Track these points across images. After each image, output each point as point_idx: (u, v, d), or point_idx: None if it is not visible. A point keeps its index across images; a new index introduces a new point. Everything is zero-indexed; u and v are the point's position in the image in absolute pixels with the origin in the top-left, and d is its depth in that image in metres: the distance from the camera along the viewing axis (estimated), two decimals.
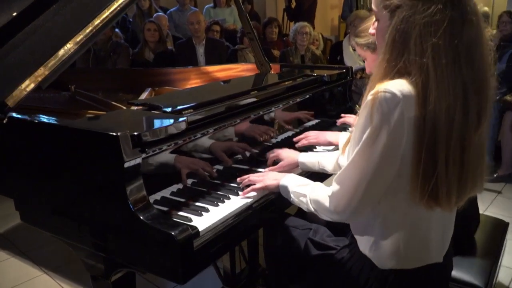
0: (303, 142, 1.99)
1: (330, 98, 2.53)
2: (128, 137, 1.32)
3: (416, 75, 1.05)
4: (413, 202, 1.13)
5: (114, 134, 1.30)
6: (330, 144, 1.99)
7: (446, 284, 1.42)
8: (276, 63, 2.85)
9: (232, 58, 4.78)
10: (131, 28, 5.98)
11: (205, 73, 2.89)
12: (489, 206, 3.42)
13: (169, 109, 1.66)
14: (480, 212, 2.02)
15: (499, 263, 1.82)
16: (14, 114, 1.62)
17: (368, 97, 1.10)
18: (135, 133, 1.34)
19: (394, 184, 1.15)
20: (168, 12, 6.14)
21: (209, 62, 4.69)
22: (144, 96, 2.37)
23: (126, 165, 1.31)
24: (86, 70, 3.49)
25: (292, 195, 1.43)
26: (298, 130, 2.21)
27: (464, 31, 1.05)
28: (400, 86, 1.06)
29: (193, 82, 2.82)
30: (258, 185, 1.55)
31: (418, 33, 1.05)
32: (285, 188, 1.46)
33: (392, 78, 1.09)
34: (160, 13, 5.68)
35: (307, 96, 2.25)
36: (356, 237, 1.31)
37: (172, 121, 1.51)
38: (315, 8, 7.06)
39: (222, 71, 2.91)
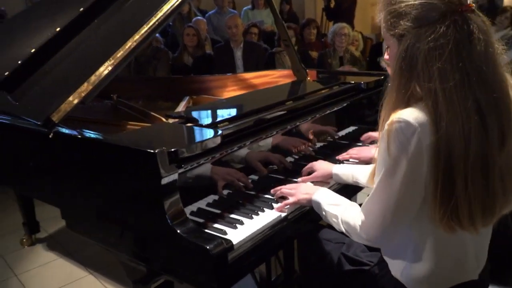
0: (344, 156, 1.99)
1: (368, 104, 2.51)
2: (165, 154, 1.37)
3: (427, 99, 1.05)
4: (435, 226, 1.12)
5: (151, 151, 1.35)
6: (372, 160, 1.93)
7: None
8: (312, 69, 2.85)
9: (270, 61, 4.79)
10: (170, 32, 6.10)
11: (242, 80, 2.93)
12: None
13: (205, 122, 1.70)
14: None
15: None
16: (59, 129, 1.70)
17: (385, 127, 1.10)
18: (172, 150, 1.39)
19: (421, 209, 1.14)
20: (206, 15, 6.23)
21: (247, 65, 4.73)
22: (182, 105, 2.43)
23: (164, 181, 1.37)
24: (127, 78, 3.61)
25: (324, 213, 1.44)
26: (334, 138, 2.21)
27: (472, 50, 1.04)
28: (414, 114, 1.06)
29: (230, 89, 2.86)
30: (290, 200, 1.58)
31: (424, 59, 1.05)
32: (318, 204, 1.47)
33: (406, 105, 1.09)
34: (198, 17, 5.77)
35: (344, 104, 2.25)
36: (387, 260, 1.30)
37: (208, 135, 1.55)
38: (355, 7, 6.97)
39: (258, 77, 2.94)
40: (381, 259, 1.34)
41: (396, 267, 1.27)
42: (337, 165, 1.77)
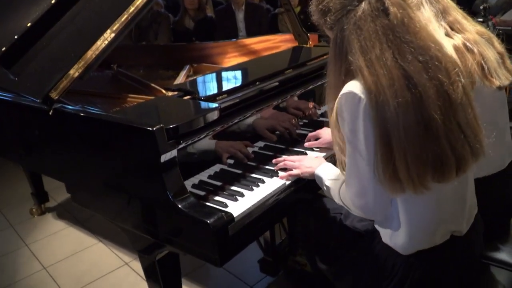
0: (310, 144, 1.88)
1: None
2: (164, 131, 1.37)
3: (358, 77, 1.13)
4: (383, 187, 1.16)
5: (150, 129, 1.36)
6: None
7: (475, 260, 1.42)
8: (314, 33, 2.80)
9: (273, 22, 4.71)
10: None
11: (243, 46, 2.89)
12: None
13: (203, 95, 1.70)
14: None
15: None
16: (59, 105, 1.71)
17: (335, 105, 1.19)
18: (171, 126, 1.40)
19: None
20: None
21: (249, 27, 4.65)
22: (182, 74, 2.42)
23: (163, 158, 1.38)
24: (128, 46, 3.56)
25: (325, 188, 1.47)
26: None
27: (390, 24, 1.12)
28: (357, 84, 1.13)
29: (231, 56, 2.83)
30: (294, 172, 1.60)
31: (348, 43, 1.16)
32: (320, 179, 1.50)
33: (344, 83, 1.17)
34: None
35: None
36: (378, 229, 1.33)
37: (206, 110, 1.55)
38: None
39: (259, 43, 2.89)
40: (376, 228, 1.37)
41: (385, 234, 1.31)
42: None
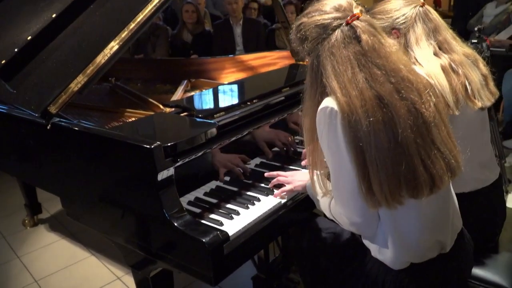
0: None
1: None
2: (161, 149, 1.38)
3: (332, 97, 1.20)
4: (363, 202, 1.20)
5: (147, 146, 1.37)
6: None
7: (464, 278, 1.43)
8: None
9: (270, 37, 4.75)
10: (170, 6, 6.01)
11: (240, 62, 2.91)
12: None
13: (201, 113, 1.71)
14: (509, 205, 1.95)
15: None
16: (57, 120, 1.71)
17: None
18: (168, 144, 1.40)
19: None
20: None
21: (247, 42, 4.69)
22: (180, 89, 2.43)
23: (160, 176, 1.38)
24: (126, 60, 3.57)
25: (316, 200, 1.48)
26: None
27: (362, 50, 1.19)
28: (332, 100, 1.19)
29: (229, 72, 2.85)
30: (287, 187, 1.61)
31: (323, 67, 1.23)
32: (311, 191, 1.50)
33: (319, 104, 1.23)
34: None
35: None
36: (366, 243, 1.35)
37: (203, 128, 1.55)
38: None
39: (257, 59, 2.91)
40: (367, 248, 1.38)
41: (374, 249, 1.33)
42: None
